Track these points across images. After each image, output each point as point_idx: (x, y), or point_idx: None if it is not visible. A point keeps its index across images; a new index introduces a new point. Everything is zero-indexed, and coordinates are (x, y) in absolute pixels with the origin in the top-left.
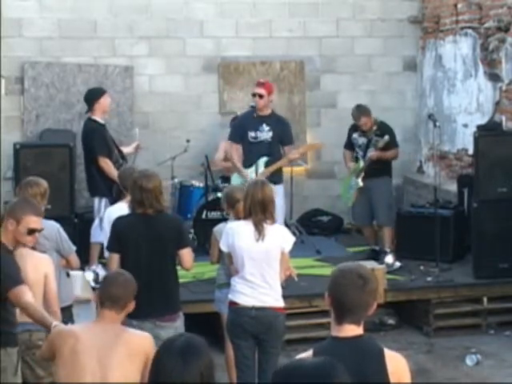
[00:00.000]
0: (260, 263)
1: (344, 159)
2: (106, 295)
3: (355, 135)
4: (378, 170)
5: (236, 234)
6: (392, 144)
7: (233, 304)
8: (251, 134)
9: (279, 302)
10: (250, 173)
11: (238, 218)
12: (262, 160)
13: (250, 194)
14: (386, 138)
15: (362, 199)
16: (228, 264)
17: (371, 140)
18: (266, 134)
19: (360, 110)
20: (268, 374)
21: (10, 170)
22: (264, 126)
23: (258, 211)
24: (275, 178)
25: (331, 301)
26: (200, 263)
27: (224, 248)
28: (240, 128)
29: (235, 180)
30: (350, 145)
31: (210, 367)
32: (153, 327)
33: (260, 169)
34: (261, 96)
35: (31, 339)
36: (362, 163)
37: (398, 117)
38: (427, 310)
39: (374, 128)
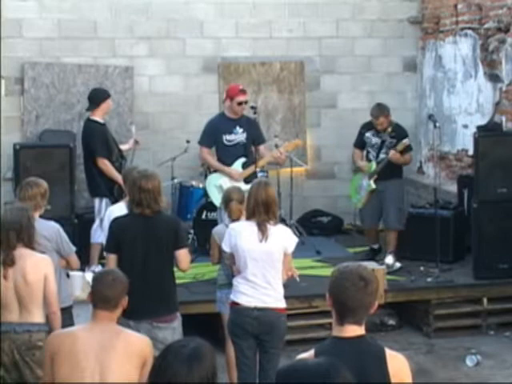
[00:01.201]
0: (262, 264)
1: (353, 157)
2: (97, 297)
3: (368, 134)
4: (391, 172)
5: (239, 234)
6: (408, 148)
7: (234, 304)
8: (226, 137)
9: (281, 303)
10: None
11: (231, 217)
12: (240, 161)
13: (253, 194)
14: (406, 140)
15: (373, 201)
16: (230, 264)
17: (385, 141)
18: (240, 135)
19: (380, 109)
20: (269, 374)
21: (10, 171)
22: (238, 128)
23: (262, 212)
24: (251, 177)
25: (332, 302)
26: (200, 264)
27: (226, 248)
28: (213, 132)
29: (211, 182)
30: (361, 143)
31: (212, 376)
32: (150, 328)
33: (238, 170)
34: (246, 102)
35: (31, 340)
36: (374, 165)
37: (398, 117)
38: (427, 311)
39: (389, 130)
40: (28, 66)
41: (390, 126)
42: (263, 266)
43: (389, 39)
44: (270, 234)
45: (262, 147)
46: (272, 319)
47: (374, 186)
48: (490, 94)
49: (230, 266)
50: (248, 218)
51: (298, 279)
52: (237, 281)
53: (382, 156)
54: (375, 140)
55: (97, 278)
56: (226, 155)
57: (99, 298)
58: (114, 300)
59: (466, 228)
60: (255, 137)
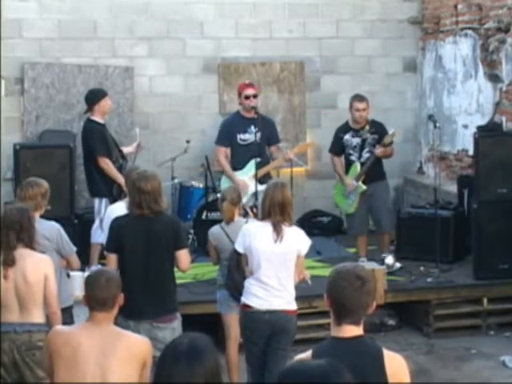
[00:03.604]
0: (277, 265)
1: (334, 167)
2: (93, 300)
3: (347, 136)
4: (376, 174)
5: (253, 235)
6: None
7: (246, 307)
8: (240, 136)
9: (292, 305)
10: (241, 175)
11: (223, 218)
12: (252, 162)
13: (269, 195)
14: (393, 131)
15: (361, 207)
16: (243, 265)
17: (366, 139)
18: (254, 135)
19: (361, 95)
20: (275, 374)
21: (10, 171)
22: (252, 127)
23: (277, 213)
24: (265, 178)
25: (330, 302)
26: (200, 264)
27: (240, 249)
28: (228, 131)
29: (224, 183)
30: (339, 148)
31: (215, 369)
32: (150, 328)
33: (251, 171)
34: (255, 96)
35: (31, 340)
36: (358, 166)
37: (398, 117)
38: (427, 311)
39: (367, 127)
40: (28, 66)
41: (367, 124)
42: (277, 267)
43: (389, 39)
44: (284, 235)
45: (272, 148)
46: (283, 321)
47: (364, 186)
48: (490, 94)
49: (229, 266)
50: (263, 218)
51: (309, 282)
52: (249, 282)
53: (365, 155)
54: (356, 141)
55: (90, 281)
56: (240, 155)
57: (95, 300)
58: (111, 301)
59: (466, 228)
60: (269, 137)
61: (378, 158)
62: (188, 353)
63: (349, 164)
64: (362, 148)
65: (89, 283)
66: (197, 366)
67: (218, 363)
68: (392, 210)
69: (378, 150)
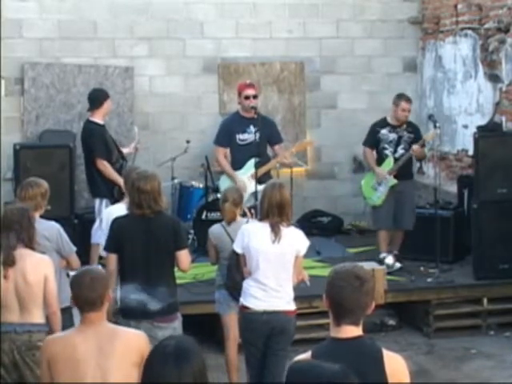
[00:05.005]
0: (275, 266)
1: (367, 159)
2: (81, 301)
3: (384, 131)
4: (407, 173)
5: (252, 234)
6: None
7: (244, 308)
8: (239, 136)
9: (290, 305)
10: (240, 174)
11: (224, 218)
12: (251, 161)
13: (267, 195)
14: (435, 131)
15: (390, 202)
16: (241, 266)
17: (402, 137)
18: (253, 135)
19: (408, 96)
20: (275, 375)
21: (10, 171)
22: (251, 127)
23: (276, 213)
24: (265, 177)
25: (329, 302)
26: (200, 264)
27: (238, 249)
28: (227, 131)
29: (223, 183)
30: (374, 142)
31: (202, 369)
32: (150, 327)
33: (250, 170)
34: (255, 96)
35: (31, 340)
36: (392, 160)
37: None
38: (427, 311)
39: (404, 126)
40: (28, 67)
41: (405, 123)
42: (275, 267)
43: (389, 39)
44: (282, 235)
45: (277, 147)
46: (283, 323)
47: (395, 180)
48: (490, 94)
49: (229, 265)
50: (261, 219)
51: (308, 283)
52: (247, 283)
53: (400, 151)
54: (392, 136)
55: (75, 282)
56: (239, 154)
57: (83, 301)
58: (99, 299)
59: (466, 228)
60: (270, 136)
61: (411, 158)
62: (176, 354)
63: (381, 158)
64: (397, 144)
65: (74, 283)
66: (185, 366)
67: (204, 363)
68: (415, 210)
69: (416, 147)
